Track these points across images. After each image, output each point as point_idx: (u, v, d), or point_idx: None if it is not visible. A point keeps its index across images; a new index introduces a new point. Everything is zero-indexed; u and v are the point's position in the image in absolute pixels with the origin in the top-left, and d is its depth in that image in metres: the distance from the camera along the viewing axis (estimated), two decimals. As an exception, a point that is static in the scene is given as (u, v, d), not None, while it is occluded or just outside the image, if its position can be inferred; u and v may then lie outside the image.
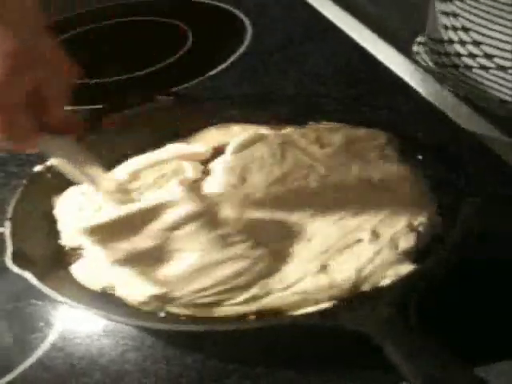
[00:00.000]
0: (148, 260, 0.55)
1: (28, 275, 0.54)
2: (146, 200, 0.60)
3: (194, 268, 0.54)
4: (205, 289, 0.53)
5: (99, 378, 0.53)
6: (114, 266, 0.57)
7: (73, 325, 0.58)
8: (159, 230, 0.56)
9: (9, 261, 0.56)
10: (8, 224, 0.60)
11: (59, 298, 0.53)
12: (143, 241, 0.56)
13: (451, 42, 0.74)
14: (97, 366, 0.54)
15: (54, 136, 0.57)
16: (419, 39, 0.87)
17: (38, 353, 0.56)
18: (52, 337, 0.57)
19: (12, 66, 0.51)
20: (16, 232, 0.59)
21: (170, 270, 0.55)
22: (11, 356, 0.56)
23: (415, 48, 0.88)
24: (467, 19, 0.71)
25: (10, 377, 0.54)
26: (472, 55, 0.72)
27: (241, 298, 0.53)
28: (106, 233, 0.58)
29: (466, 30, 0.72)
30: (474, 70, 0.73)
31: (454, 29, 0.73)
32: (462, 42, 0.73)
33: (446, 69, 0.78)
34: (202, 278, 0.54)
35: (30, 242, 0.60)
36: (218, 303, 0.53)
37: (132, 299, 0.55)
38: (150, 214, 0.57)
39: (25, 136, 0.54)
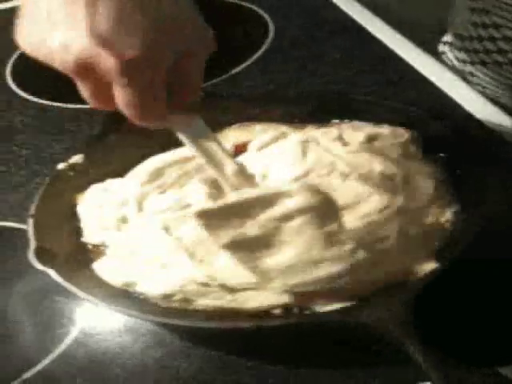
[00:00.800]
0: (252, 248, 0.53)
1: (51, 272, 0.55)
2: (261, 188, 0.59)
3: (291, 263, 0.52)
4: (297, 285, 0.52)
5: (120, 373, 0.54)
6: (137, 263, 0.57)
7: (95, 321, 0.58)
8: (269, 219, 0.54)
9: (32, 257, 0.56)
10: (31, 221, 0.61)
11: (81, 294, 0.54)
12: (251, 228, 0.54)
13: (481, 38, 0.73)
14: (118, 362, 0.55)
15: (181, 113, 0.57)
16: (445, 38, 0.86)
17: (61, 348, 0.56)
18: (74, 333, 0.57)
19: (153, 40, 0.49)
20: (39, 229, 0.60)
21: (270, 260, 0.53)
22: (35, 351, 0.56)
23: (441, 47, 0.87)
24: (499, 16, 0.70)
25: (33, 371, 0.55)
26: (502, 51, 0.71)
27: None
28: (215, 218, 0.55)
29: (496, 26, 0.71)
30: (504, 67, 0.72)
31: (484, 26, 0.72)
32: (492, 39, 0.72)
33: (473, 66, 0.77)
34: (297, 275, 0.52)
35: (53, 239, 0.60)
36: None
37: (155, 294, 0.55)
38: (262, 203, 0.55)
39: (154, 115, 0.53)
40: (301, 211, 0.54)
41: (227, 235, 0.54)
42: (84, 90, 0.53)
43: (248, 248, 0.53)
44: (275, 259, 0.53)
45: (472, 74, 0.78)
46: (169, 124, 0.57)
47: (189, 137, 0.59)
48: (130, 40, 0.49)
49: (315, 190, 0.56)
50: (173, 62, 0.52)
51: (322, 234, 0.53)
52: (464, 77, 0.81)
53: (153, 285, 0.55)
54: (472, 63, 0.77)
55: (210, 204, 0.57)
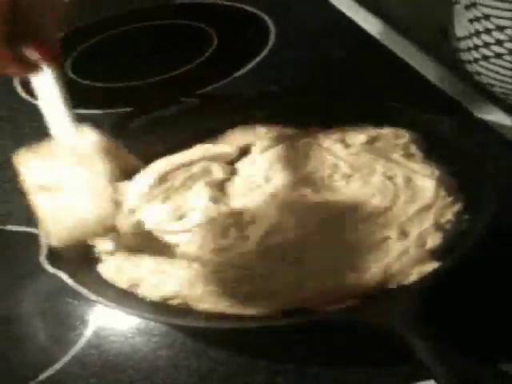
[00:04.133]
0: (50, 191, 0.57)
1: (63, 275, 0.56)
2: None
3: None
4: None
5: (132, 373, 0.55)
6: (138, 265, 0.58)
7: (107, 323, 0.59)
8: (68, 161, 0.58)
9: (44, 261, 0.57)
10: (43, 226, 0.62)
11: (93, 297, 0.55)
12: (52, 175, 0.57)
13: (477, 33, 0.74)
14: (130, 363, 0.56)
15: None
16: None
17: (75, 350, 0.57)
18: (87, 335, 0.58)
19: None
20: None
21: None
22: (49, 353, 0.57)
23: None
24: (487, 6, 0.71)
25: (48, 373, 0.56)
26: (499, 41, 0.72)
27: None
28: (29, 160, 0.59)
29: (487, 17, 0.72)
30: (504, 57, 0.73)
31: (477, 19, 0.73)
32: (487, 31, 0.72)
33: (477, 64, 0.77)
34: None
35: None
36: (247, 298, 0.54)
37: (155, 295, 0.56)
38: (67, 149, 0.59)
39: (4, 65, 0.56)
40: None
41: (36, 180, 0.58)
42: None
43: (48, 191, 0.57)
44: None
45: (478, 74, 0.78)
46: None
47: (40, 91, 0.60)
48: None
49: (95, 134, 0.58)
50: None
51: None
52: (467, 77, 0.81)
53: (152, 288, 0.56)
54: (475, 61, 0.77)
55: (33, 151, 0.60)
